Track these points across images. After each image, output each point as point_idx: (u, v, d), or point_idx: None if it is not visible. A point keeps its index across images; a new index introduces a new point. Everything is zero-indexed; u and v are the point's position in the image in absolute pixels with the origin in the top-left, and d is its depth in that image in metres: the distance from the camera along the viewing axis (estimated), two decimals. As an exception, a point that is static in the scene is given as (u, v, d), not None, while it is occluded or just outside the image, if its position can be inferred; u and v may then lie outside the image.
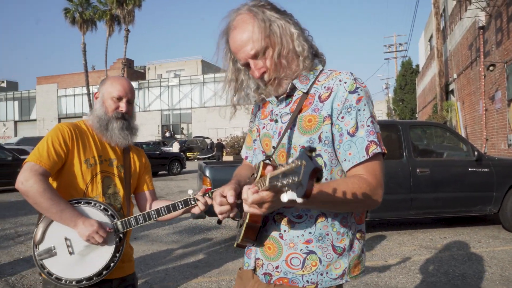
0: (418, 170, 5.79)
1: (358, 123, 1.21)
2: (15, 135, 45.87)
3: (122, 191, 1.87)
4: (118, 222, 1.73)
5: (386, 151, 1.25)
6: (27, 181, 1.63)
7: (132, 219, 1.76)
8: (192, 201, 1.80)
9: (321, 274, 1.26)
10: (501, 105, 10.99)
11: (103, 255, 1.70)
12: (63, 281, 1.67)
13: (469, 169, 5.97)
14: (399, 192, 5.74)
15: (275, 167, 1.15)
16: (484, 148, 12.26)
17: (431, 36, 21.70)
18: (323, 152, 1.25)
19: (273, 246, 1.29)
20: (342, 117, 1.22)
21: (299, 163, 0.84)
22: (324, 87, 1.27)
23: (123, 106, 1.85)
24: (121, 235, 1.75)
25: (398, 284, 4.03)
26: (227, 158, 23.41)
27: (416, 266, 4.53)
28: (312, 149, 0.86)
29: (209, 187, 1.86)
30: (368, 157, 1.20)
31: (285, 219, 1.27)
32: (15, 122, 50.40)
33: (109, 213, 1.73)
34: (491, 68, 11.37)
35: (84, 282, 1.68)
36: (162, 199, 2.10)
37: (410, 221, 6.80)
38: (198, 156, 28.58)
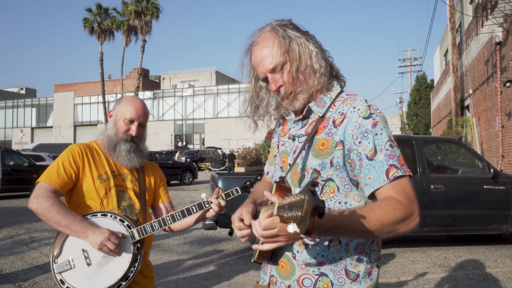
0: (432, 186, 5.72)
1: (377, 147, 1.20)
2: (32, 141, 46.72)
3: (138, 204, 1.88)
4: (134, 230, 1.74)
5: (411, 174, 1.22)
6: (36, 199, 1.68)
7: (147, 225, 1.76)
8: (206, 204, 1.82)
9: None
10: (518, 122, 10.81)
11: (121, 264, 1.69)
12: None
13: (485, 187, 5.87)
14: (413, 208, 5.64)
15: (285, 190, 1.19)
16: (500, 165, 12.04)
17: (447, 51, 21.56)
18: (335, 176, 1.26)
19: (286, 265, 1.32)
20: (359, 142, 1.21)
21: (303, 197, 0.86)
22: (339, 112, 1.29)
23: (133, 130, 1.86)
24: (138, 244, 1.74)
25: (411, 302, 3.96)
26: (238, 169, 23.42)
27: (430, 285, 4.45)
28: (314, 184, 0.87)
29: (220, 189, 1.86)
30: (388, 181, 1.17)
31: (299, 241, 1.26)
32: (32, 128, 51.37)
33: (125, 223, 1.74)
34: (508, 84, 11.22)
35: None
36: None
37: (423, 238, 6.69)
38: (210, 168, 28.66)
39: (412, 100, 37.54)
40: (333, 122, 1.28)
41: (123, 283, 1.69)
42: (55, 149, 28.12)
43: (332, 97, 1.33)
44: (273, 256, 1.33)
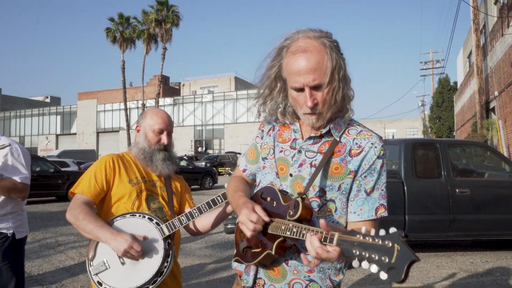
0: (457, 190, 5.60)
1: (375, 185, 1.35)
2: (56, 148, 47.94)
3: (167, 207, 1.97)
4: (163, 226, 1.78)
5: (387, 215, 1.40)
6: (69, 210, 1.79)
7: (175, 220, 1.81)
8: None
9: None
10: (546, 124, 10.48)
11: (155, 260, 1.73)
12: None
13: (513, 190, 5.71)
14: (438, 213, 5.56)
15: (310, 211, 1.25)
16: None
17: (470, 53, 21.11)
18: (338, 200, 1.36)
19: (278, 270, 1.39)
20: (365, 176, 1.34)
21: (390, 245, 0.90)
22: (356, 144, 1.35)
23: (164, 139, 1.98)
24: (169, 240, 1.79)
25: (437, 308, 3.89)
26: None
27: (456, 290, 4.35)
28: (406, 235, 0.92)
29: None
30: (375, 217, 1.35)
31: (294, 248, 1.36)
32: (57, 135, 52.74)
33: (153, 221, 1.79)
34: (535, 85, 10.90)
35: None
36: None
37: (448, 243, 6.55)
38: (230, 172, 28.78)
39: (435, 103, 36.83)
40: (349, 151, 1.35)
41: (158, 279, 1.73)
42: (79, 155, 28.82)
43: (346, 123, 1.40)
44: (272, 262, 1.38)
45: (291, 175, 1.39)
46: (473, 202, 5.62)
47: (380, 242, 0.93)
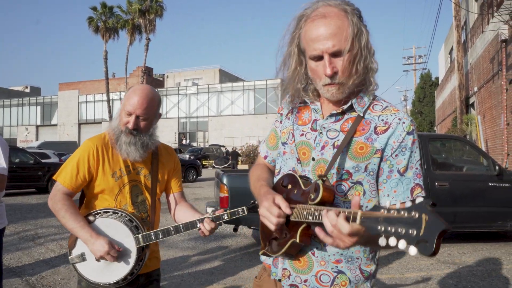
0: (437, 183, 5.72)
1: (409, 164, 1.25)
2: (37, 139, 46.96)
3: (149, 198, 1.96)
4: (140, 236, 1.81)
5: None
6: (50, 199, 1.84)
7: (152, 234, 1.83)
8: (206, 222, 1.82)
9: None
10: (523, 120, 10.77)
11: (127, 264, 1.81)
12: (93, 283, 1.84)
13: (490, 184, 5.87)
14: (417, 205, 5.66)
15: (332, 192, 1.18)
16: (505, 163, 12.00)
17: (452, 49, 21.46)
18: (365, 181, 1.26)
19: (304, 260, 1.30)
20: (396, 155, 1.24)
21: (417, 216, 0.84)
22: (382, 120, 1.26)
23: (130, 122, 1.85)
24: (143, 246, 1.83)
25: (415, 298, 3.98)
26: (242, 166, 23.42)
27: (433, 281, 4.46)
28: (434, 204, 0.85)
29: (221, 209, 1.83)
30: (412, 198, 1.23)
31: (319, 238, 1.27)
32: (37, 126, 51.63)
33: (133, 224, 1.83)
34: (513, 82, 11.18)
35: (112, 285, 1.83)
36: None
37: (427, 235, 6.69)
38: (214, 165, 28.74)
39: (417, 98, 37.41)
40: (375, 128, 1.26)
41: (129, 277, 1.84)
42: (60, 147, 28.28)
43: (370, 98, 1.30)
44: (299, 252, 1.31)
45: (313, 159, 1.30)
46: (452, 195, 5.75)
47: (406, 214, 0.86)
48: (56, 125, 50.10)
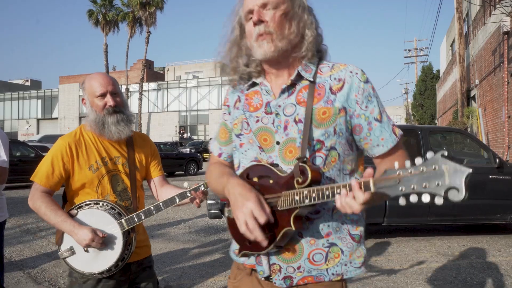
0: (437, 176, 5.71)
1: (380, 109, 1.25)
2: (38, 132, 46.98)
3: (130, 186, 2.01)
4: (123, 220, 1.86)
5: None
6: (30, 200, 1.90)
7: (135, 216, 1.88)
8: (188, 193, 1.93)
9: (345, 265, 1.25)
10: (524, 112, 10.74)
11: (115, 249, 1.86)
12: (86, 274, 1.88)
13: (490, 177, 5.86)
14: (417, 198, 5.66)
15: (317, 169, 1.16)
16: (506, 156, 11.98)
17: (453, 41, 21.35)
18: (338, 144, 1.23)
19: (293, 247, 1.24)
20: (366, 107, 1.23)
21: (438, 168, 0.86)
22: (334, 79, 1.24)
23: (110, 101, 1.91)
24: (129, 230, 1.88)
25: (415, 290, 4.00)
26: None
27: (433, 273, 4.48)
28: (447, 155, 0.88)
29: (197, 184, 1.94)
30: (398, 139, 1.26)
31: (304, 217, 1.22)
32: (38, 120, 51.66)
33: (115, 211, 1.87)
34: (514, 74, 11.12)
35: (105, 273, 1.87)
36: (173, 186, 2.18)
37: (427, 228, 6.71)
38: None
39: (418, 90, 37.30)
40: (330, 88, 1.23)
41: (120, 263, 1.88)
42: (61, 140, 28.19)
43: (315, 64, 1.28)
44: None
45: (278, 143, 1.25)
46: (452, 188, 5.73)
47: (425, 169, 0.88)
48: (57, 118, 50.10)
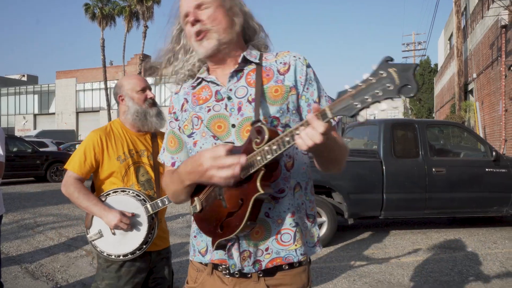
0: (434, 169, 5.74)
1: (319, 93, 1.29)
2: (34, 128, 46.85)
3: (154, 177, 2.17)
4: (148, 205, 2.04)
5: None
6: (64, 186, 2.10)
7: (159, 201, 2.05)
8: None
9: (305, 244, 1.28)
10: (521, 106, 10.77)
11: (141, 232, 2.03)
12: (113, 256, 2.05)
13: (487, 170, 5.89)
14: (414, 191, 5.70)
15: (274, 128, 1.13)
16: (503, 149, 12.03)
17: (451, 35, 21.32)
18: (291, 122, 1.25)
19: (261, 229, 1.22)
20: (307, 88, 1.28)
21: (386, 73, 0.87)
22: (280, 63, 1.29)
23: (149, 93, 2.17)
24: (153, 215, 2.05)
25: (411, 282, 4.03)
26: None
27: (429, 265, 4.51)
28: (391, 59, 0.88)
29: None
30: (335, 122, 1.22)
31: (269, 197, 1.19)
32: (35, 115, 51.47)
33: (141, 198, 2.05)
34: (512, 68, 11.14)
35: (129, 256, 2.04)
36: None
37: (424, 221, 6.74)
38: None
39: (416, 85, 37.27)
40: (278, 70, 1.28)
41: (144, 246, 2.05)
42: (58, 136, 28.25)
43: (258, 53, 1.33)
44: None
45: (233, 125, 1.23)
46: (449, 181, 5.77)
47: (374, 78, 0.88)
48: (54, 113, 49.93)
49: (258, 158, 1.08)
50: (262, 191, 1.08)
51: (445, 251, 5.07)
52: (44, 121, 50.14)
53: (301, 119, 1.28)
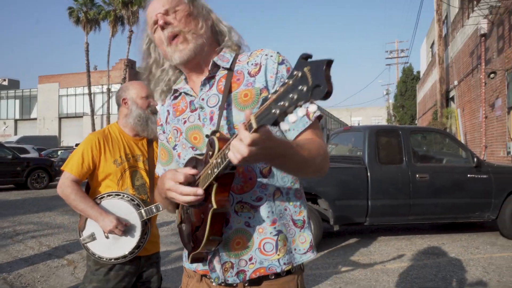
0: (417, 175, 5.81)
1: None
2: (15, 133, 45.89)
3: (148, 181, 2.21)
4: (142, 210, 2.08)
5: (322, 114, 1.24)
6: (60, 187, 2.10)
7: (153, 207, 2.09)
8: None
9: (291, 252, 1.22)
10: (501, 113, 11.02)
11: (133, 237, 2.07)
12: (104, 259, 2.07)
13: (468, 176, 5.98)
14: (399, 198, 5.75)
15: (226, 139, 1.03)
16: (483, 155, 12.27)
17: (433, 43, 21.75)
18: None
19: (242, 239, 1.19)
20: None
21: (300, 73, 0.75)
22: (252, 64, 1.23)
23: (153, 102, 2.19)
24: (146, 220, 2.09)
25: (396, 288, 4.04)
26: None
27: (414, 271, 4.54)
28: (308, 56, 0.77)
29: None
30: (311, 121, 1.18)
31: (247, 206, 1.19)
32: (16, 120, 50.43)
33: (135, 202, 2.09)
34: (492, 75, 11.41)
35: (120, 259, 2.07)
36: None
37: (408, 227, 6.80)
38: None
39: (399, 92, 37.88)
40: (249, 73, 1.22)
41: (136, 251, 2.09)
42: (40, 142, 27.69)
43: (233, 54, 1.28)
44: (223, 233, 1.15)
45: (207, 136, 1.19)
46: (432, 187, 5.84)
47: (291, 81, 0.77)
48: (35, 119, 49.01)
49: (209, 171, 1.05)
50: (215, 207, 1.05)
51: (429, 257, 5.12)
52: (25, 127, 49.13)
53: None
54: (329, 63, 0.73)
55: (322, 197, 5.55)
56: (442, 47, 17.04)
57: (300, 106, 0.77)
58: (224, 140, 1.02)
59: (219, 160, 1.00)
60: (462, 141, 14.20)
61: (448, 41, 18.32)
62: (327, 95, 0.73)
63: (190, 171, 1.11)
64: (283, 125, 0.81)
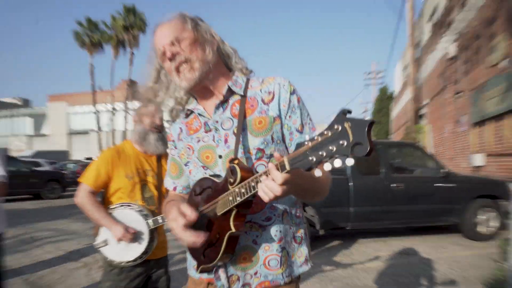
0: (393, 185, 6.01)
1: (302, 121, 1.21)
2: (29, 148, 45.45)
3: (156, 194, 2.25)
4: (150, 220, 2.13)
5: None
6: (77, 197, 2.15)
7: (159, 217, 2.14)
8: None
9: (291, 266, 1.23)
10: (465, 128, 11.36)
11: (142, 244, 2.13)
12: (115, 262, 2.13)
13: (437, 185, 6.20)
14: (377, 205, 5.94)
15: (248, 168, 1.07)
16: (449, 166, 12.55)
17: (407, 65, 22.22)
18: (277, 151, 1.19)
19: (248, 255, 1.19)
20: (290, 117, 1.20)
21: (340, 127, 0.76)
22: (265, 92, 1.21)
23: (157, 121, 2.21)
24: (153, 229, 2.15)
25: (375, 284, 4.20)
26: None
27: (390, 269, 4.70)
28: (348, 111, 0.78)
29: None
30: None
31: (256, 226, 1.18)
32: (29, 136, 49.99)
33: (144, 213, 2.14)
34: (458, 95, 11.76)
35: (130, 262, 2.13)
36: None
37: (385, 230, 6.97)
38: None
39: (376, 109, 38.33)
40: (262, 100, 1.20)
41: (144, 256, 2.15)
42: (51, 156, 27.56)
43: (244, 79, 1.25)
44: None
45: (220, 156, 1.19)
46: (406, 195, 6.05)
47: (330, 132, 0.77)
48: (47, 135, 48.64)
49: (230, 198, 1.05)
50: (234, 230, 1.07)
51: (403, 257, 5.29)
52: (38, 142, 48.72)
53: (286, 147, 1.22)
54: (371, 124, 0.74)
55: (309, 205, 5.72)
56: (415, 69, 17.48)
57: (337, 157, 0.77)
58: (246, 170, 1.04)
59: (243, 190, 1.01)
60: (432, 154, 14.52)
61: (420, 63, 18.79)
62: (369, 153, 0.74)
63: (192, 214, 1.10)
64: (317, 172, 0.83)
